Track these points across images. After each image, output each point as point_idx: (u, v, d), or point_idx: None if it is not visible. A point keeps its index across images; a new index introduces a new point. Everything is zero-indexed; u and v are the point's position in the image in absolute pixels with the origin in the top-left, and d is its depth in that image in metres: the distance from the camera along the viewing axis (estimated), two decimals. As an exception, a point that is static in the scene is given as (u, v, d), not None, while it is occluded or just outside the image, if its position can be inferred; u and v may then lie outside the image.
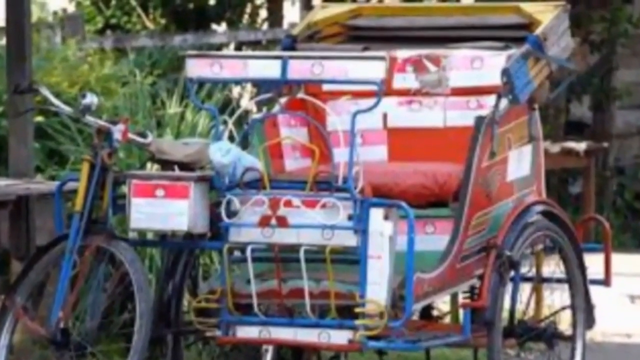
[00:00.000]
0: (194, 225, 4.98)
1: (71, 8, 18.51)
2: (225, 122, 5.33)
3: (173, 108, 8.20)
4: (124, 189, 5.22)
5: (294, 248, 4.76)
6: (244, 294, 4.96)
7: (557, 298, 6.03)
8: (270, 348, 5.69)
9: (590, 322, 6.03)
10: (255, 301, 4.86)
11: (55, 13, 17.74)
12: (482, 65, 5.72)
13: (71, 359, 4.97)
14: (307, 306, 4.80)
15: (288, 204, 4.74)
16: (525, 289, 5.79)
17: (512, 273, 5.31)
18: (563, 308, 5.96)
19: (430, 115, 5.81)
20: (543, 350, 5.99)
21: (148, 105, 8.20)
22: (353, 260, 4.75)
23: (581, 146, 15.15)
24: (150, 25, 18.51)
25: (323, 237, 4.68)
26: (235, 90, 12.67)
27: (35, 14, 17.34)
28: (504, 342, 5.41)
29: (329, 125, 5.37)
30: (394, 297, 4.67)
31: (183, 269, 5.41)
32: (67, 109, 5.51)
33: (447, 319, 6.08)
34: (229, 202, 4.82)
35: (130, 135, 5.34)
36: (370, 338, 4.72)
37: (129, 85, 8.85)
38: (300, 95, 5.38)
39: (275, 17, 19.35)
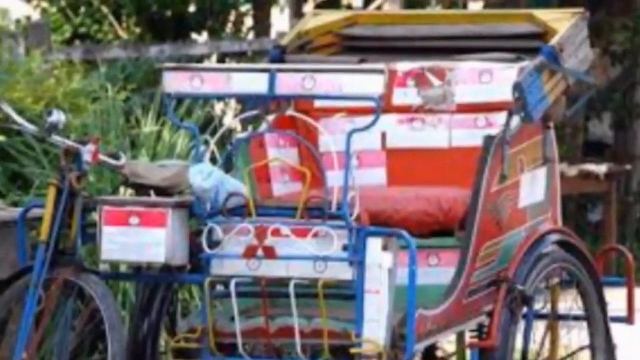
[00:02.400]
0: (172, 257, 4.97)
1: (36, 16, 18.57)
2: (206, 143, 5.33)
3: (149, 127, 8.20)
4: (95, 216, 5.21)
5: (283, 282, 4.76)
6: (228, 332, 4.95)
7: (574, 337, 6.03)
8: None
9: (611, 363, 6.02)
10: (240, 341, 4.86)
11: (18, 21, 17.77)
12: (492, 79, 5.74)
13: (36, 405, 4.96)
14: (297, 346, 4.79)
15: (276, 233, 4.74)
16: (540, 327, 5.79)
17: (525, 309, 5.31)
18: (582, 348, 5.96)
19: (434, 134, 5.82)
20: (560, 396, 5.99)
21: (121, 124, 8.20)
22: (348, 295, 4.75)
23: (601, 169, 15.16)
24: (123, 35, 18.53)
25: (315, 269, 4.68)
26: (218, 107, 12.68)
27: (-3, 22, 17.36)
28: (516, 386, 5.41)
29: (321, 145, 5.38)
30: (394, 336, 4.67)
31: (160, 305, 5.40)
32: (31, 127, 5.51)
33: (453, 361, 6.09)
34: (210, 231, 4.82)
35: (102, 157, 5.34)
36: None
37: (100, 101, 8.86)
38: (290, 112, 5.41)
39: (262, 26, 19.40)
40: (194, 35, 18.93)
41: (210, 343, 4.87)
